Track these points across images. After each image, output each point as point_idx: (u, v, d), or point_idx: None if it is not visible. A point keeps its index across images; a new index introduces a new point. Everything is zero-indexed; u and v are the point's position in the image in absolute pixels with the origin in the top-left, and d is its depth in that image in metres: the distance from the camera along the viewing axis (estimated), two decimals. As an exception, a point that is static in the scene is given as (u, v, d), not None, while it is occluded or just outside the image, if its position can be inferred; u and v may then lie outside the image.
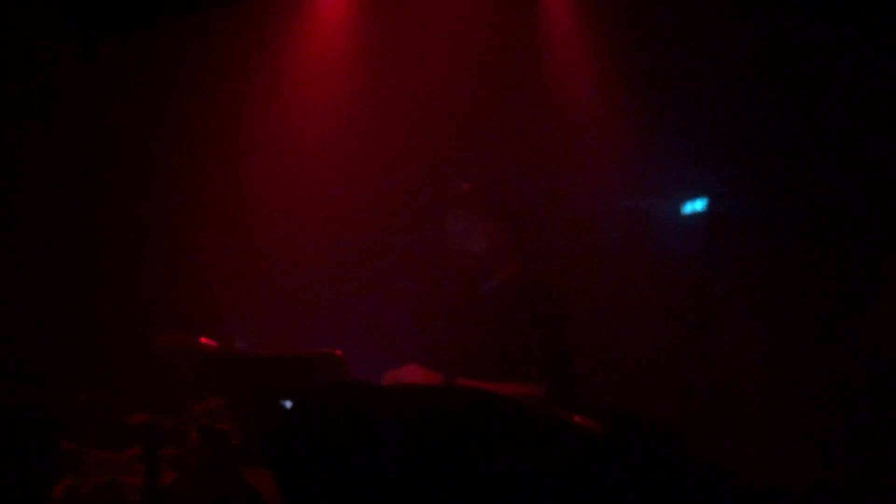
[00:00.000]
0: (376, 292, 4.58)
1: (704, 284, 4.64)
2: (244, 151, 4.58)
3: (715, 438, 4.10)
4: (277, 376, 2.51)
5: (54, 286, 4.17)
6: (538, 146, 4.69)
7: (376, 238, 4.63)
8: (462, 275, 3.39)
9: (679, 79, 4.47)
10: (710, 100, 4.45)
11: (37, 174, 4.22)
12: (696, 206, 4.76)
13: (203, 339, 2.76)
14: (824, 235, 4.32)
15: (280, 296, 4.54)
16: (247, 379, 2.59)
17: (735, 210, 4.65)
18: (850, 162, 4.23)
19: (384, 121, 4.65)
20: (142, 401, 2.69)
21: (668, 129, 4.54)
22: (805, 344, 4.31)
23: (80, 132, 4.31)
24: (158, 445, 2.29)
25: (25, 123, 4.19)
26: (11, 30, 4.04)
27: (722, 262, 4.64)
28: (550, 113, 4.66)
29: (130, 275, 4.33)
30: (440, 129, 4.61)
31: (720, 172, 4.63)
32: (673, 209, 4.82)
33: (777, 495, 1.69)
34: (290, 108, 4.64)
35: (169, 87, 4.47)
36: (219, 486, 2.29)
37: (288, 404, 2.36)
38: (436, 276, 3.98)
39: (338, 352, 2.44)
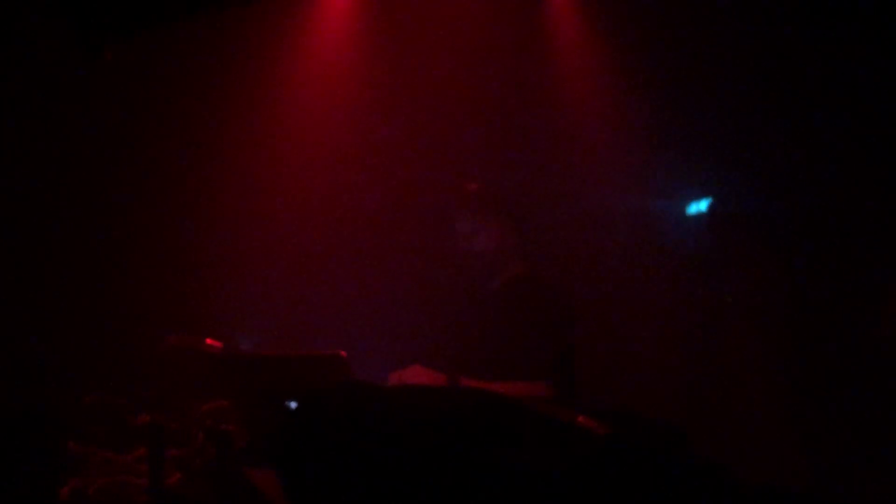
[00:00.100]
0: (381, 293, 4.59)
1: (708, 284, 4.64)
2: (249, 153, 4.58)
3: (717, 439, 4.10)
4: (282, 377, 2.52)
5: (60, 288, 4.18)
6: (543, 146, 4.69)
7: (381, 239, 4.64)
8: (468, 274, 3.39)
9: (684, 79, 4.46)
10: (714, 100, 4.45)
11: (42, 175, 4.23)
12: (701, 206, 4.76)
13: (208, 340, 2.78)
14: (828, 235, 4.32)
15: (285, 297, 4.54)
16: (252, 380, 2.60)
17: (739, 210, 4.64)
18: (856, 161, 4.23)
19: (389, 122, 4.66)
20: (147, 402, 2.70)
21: (673, 129, 4.54)
22: (808, 344, 4.31)
23: (85, 134, 4.32)
24: (164, 446, 2.30)
25: (30, 125, 4.20)
26: (15, 32, 4.05)
27: (725, 261, 4.64)
28: (556, 113, 4.67)
29: (136, 276, 4.34)
30: (446, 129, 4.61)
31: (724, 172, 4.63)
32: (677, 209, 4.82)
33: (779, 495, 1.70)
34: (294, 109, 4.64)
35: (173, 88, 4.47)
36: (224, 487, 2.29)
37: (292, 405, 2.36)
38: (442, 276, 3.98)
39: (342, 353, 2.45)
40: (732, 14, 4.29)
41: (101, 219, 4.37)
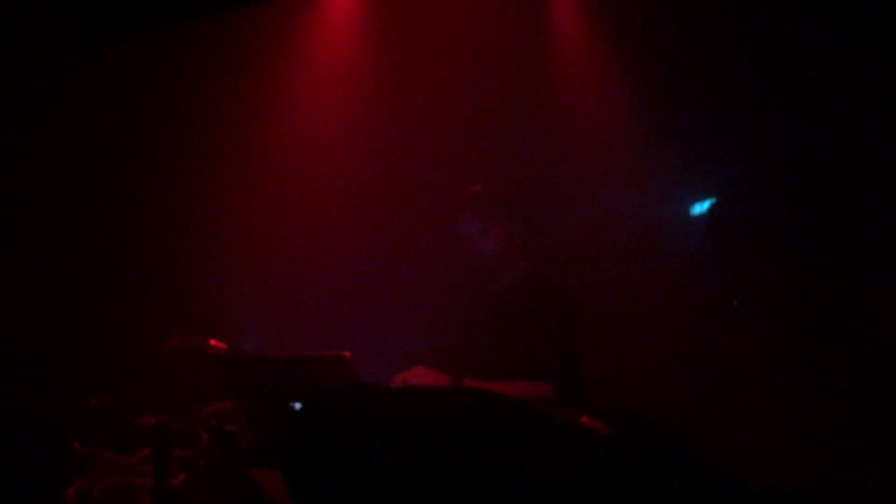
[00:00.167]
0: (385, 293, 4.59)
1: (712, 286, 4.64)
2: (253, 154, 4.59)
3: (721, 439, 4.10)
4: (286, 378, 2.52)
5: (64, 289, 4.19)
6: (548, 147, 4.70)
7: (385, 239, 4.64)
8: (473, 275, 3.39)
9: (687, 81, 4.47)
10: (719, 101, 4.45)
11: (45, 176, 4.24)
12: (704, 207, 4.76)
13: (212, 342, 2.78)
14: (833, 237, 4.32)
15: (289, 298, 4.55)
16: (256, 381, 2.60)
17: (741, 211, 4.64)
18: (861, 164, 4.23)
19: (393, 123, 4.66)
20: (152, 403, 2.70)
21: (678, 130, 4.54)
22: (812, 346, 4.31)
23: (88, 135, 4.33)
24: (168, 447, 2.31)
25: (33, 126, 4.21)
26: (19, 33, 4.06)
27: (730, 263, 4.64)
28: (560, 114, 4.67)
29: (140, 277, 4.35)
30: (450, 130, 4.61)
31: (727, 174, 4.63)
32: (681, 210, 4.82)
33: (782, 496, 1.70)
34: (299, 111, 4.65)
35: (178, 90, 4.49)
36: (228, 488, 2.30)
37: (297, 406, 2.37)
38: (446, 277, 3.98)
39: (346, 353, 2.45)
40: (737, 16, 4.29)
41: (104, 220, 4.38)
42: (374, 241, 4.65)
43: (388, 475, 1.70)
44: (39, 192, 4.21)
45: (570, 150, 4.66)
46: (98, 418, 2.61)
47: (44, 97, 4.20)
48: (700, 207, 4.74)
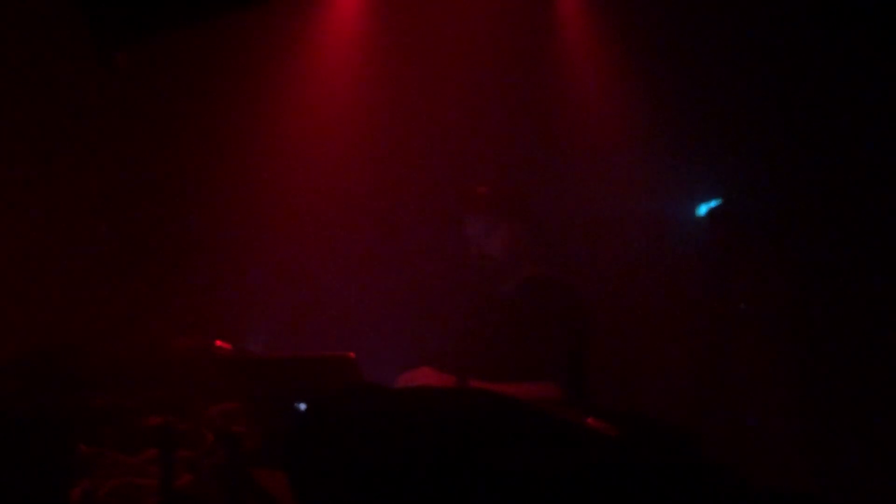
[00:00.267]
0: (390, 294, 4.59)
1: (719, 289, 4.63)
2: (260, 155, 4.60)
3: (729, 442, 4.09)
4: (291, 379, 2.52)
5: (70, 289, 4.19)
6: (555, 148, 4.69)
7: (391, 240, 4.64)
8: (480, 277, 3.39)
9: (695, 80, 4.46)
10: (726, 101, 4.44)
11: (53, 175, 4.25)
12: (711, 208, 4.75)
13: (218, 342, 2.79)
14: (842, 240, 4.30)
15: (294, 299, 4.55)
16: (261, 381, 2.61)
17: (749, 211, 4.63)
18: (871, 165, 4.21)
19: (399, 124, 4.66)
20: (157, 403, 2.70)
21: (685, 131, 4.53)
22: (820, 349, 4.29)
23: (95, 135, 4.34)
24: (174, 448, 2.31)
25: (41, 126, 4.22)
26: (28, 37, 4.07)
27: (737, 266, 4.62)
28: (566, 115, 4.66)
29: (146, 278, 4.35)
30: (456, 131, 4.61)
31: (735, 174, 4.62)
32: (688, 210, 4.81)
33: (790, 499, 1.69)
34: (305, 112, 4.65)
35: (184, 92, 4.49)
36: (233, 489, 2.30)
37: (302, 406, 2.37)
38: (452, 278, 3.98)
39: (351, 354, 2.45)
40: (743, 16, 4.28)
41: (111, 219, 4.38)
42: (378, 242, 4.65)
43: (393, 476, 1.70)
44: (48, 190, 4.22)
45: (577, 151, 4.65)
46: (103, 419, 2.62)
47: (51, 97, 4.21)
48: (707, 208, 4.73)
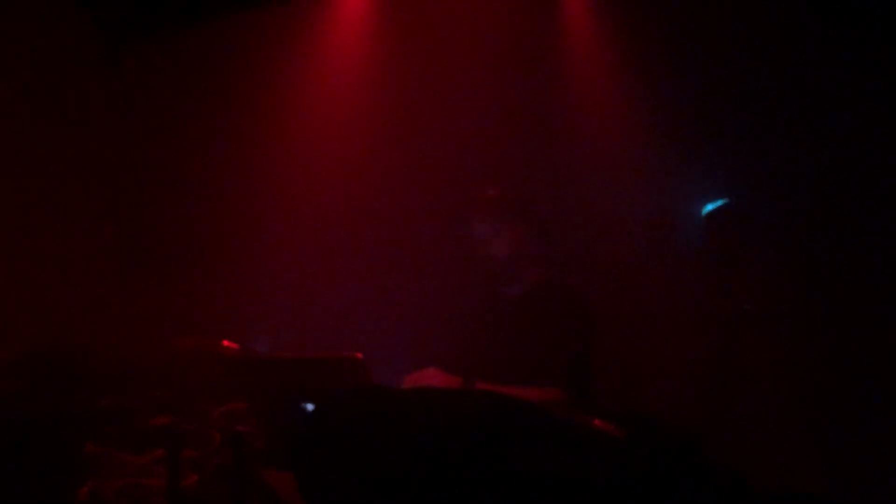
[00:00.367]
0: (397, 295, 4.59)
1: (724, 289, 4.62)
2: (266, 155, 4.60)
3: (735, 443, 4.08)
4: (298, 379, 2.52)
5: (76, 290, 4.20)
6: (559, 148, 4.69)
7: (398, 241, 4.64)
8: (487, 279, 3.39)
9: (699, 82, 4.45)
10: (733, 103, 4.43)
11: (59, 178, 4.26)
12: (717, 208, 4.74)
13: (225, 342, 2.79)
14: (844, 237, 4.30)
15: (301, 299, 4.56)
16: (268, 382, 2.61)
17: (753, 211, 4.62)
18: (873, 166, 4.21)
19: (406, 125, 4.66)
20: (164, 404, 2.70)
21: (689, 131, 4.52)
22: (826, 350, 4.28)
23: (100, 136, 4.35)
24: (180, 448, 2.31)
25: (46, 127, 4.23)
26: (37, 37, 4.08)
27: (742, 266, 4.62)
28: (573, 117, 4.66)
29: (152, 278, 4.36)
30: (464, 134, 4.61)
31: (739, 174, 4.61)
32: (692, 211, 4.80)
33: (796, 500, 1.69)
34: (313, 112, 4.66)
35: (187, 92, 4.50)
36: (240, 489, 2.30)
37: (309, 407, 2.37)
38: (459, 280, 3.98)
39: (358, 355, 2.45)
40: (749, 17, 4.28)
41: (118, 220, 4.39)
42: (386, 243, 4.65)
43: (399, 477, 1.70)
44: (53, 192, 4.22)
45: (581, 152, 4.65)
46: (110, 419, 2.62)
47: (55, 98, 4.22)
48: (711, 208, 4.72)
